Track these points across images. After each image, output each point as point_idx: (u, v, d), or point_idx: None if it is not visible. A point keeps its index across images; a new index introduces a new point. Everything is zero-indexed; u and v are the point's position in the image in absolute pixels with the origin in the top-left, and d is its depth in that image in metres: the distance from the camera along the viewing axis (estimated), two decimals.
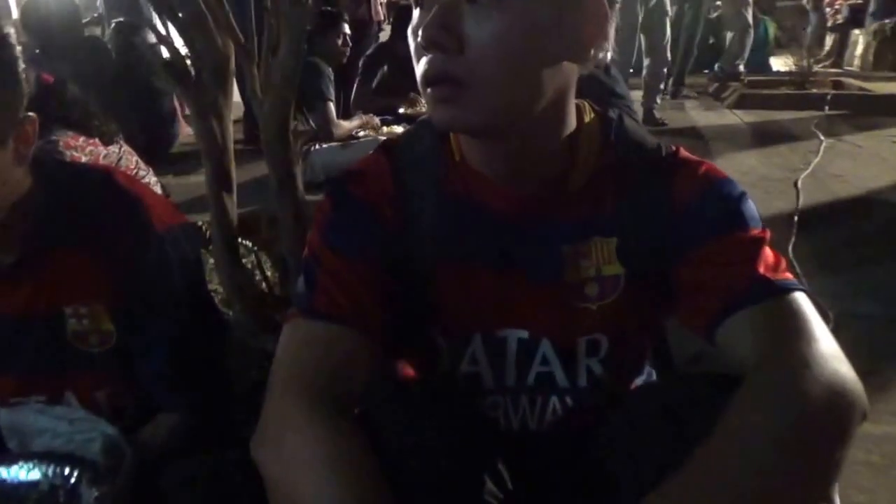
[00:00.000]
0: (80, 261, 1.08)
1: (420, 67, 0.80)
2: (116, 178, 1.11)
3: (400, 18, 4.98)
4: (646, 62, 5.97)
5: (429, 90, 0.80)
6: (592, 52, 0.83)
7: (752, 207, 0.90)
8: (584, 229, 0.92)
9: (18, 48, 0.99)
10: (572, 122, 0.90)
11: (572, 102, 0.90)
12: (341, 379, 0.83)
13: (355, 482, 0.72)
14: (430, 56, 0.78)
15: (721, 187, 0.90)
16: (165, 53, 1.73)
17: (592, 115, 0.95)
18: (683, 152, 0.95)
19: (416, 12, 0.82)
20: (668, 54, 6.09)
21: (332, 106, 4.39)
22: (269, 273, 2.34)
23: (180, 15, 1.59)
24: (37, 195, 1.07)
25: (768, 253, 0.86)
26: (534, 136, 0.86)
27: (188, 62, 1.66)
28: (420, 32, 0.77)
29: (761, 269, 0.83)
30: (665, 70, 6.15)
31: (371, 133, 4.55)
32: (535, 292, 0.93)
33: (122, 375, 1.15)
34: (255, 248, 2.48)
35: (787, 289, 0.82)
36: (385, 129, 4.65)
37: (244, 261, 2.24)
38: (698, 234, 0.88)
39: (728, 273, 0.84)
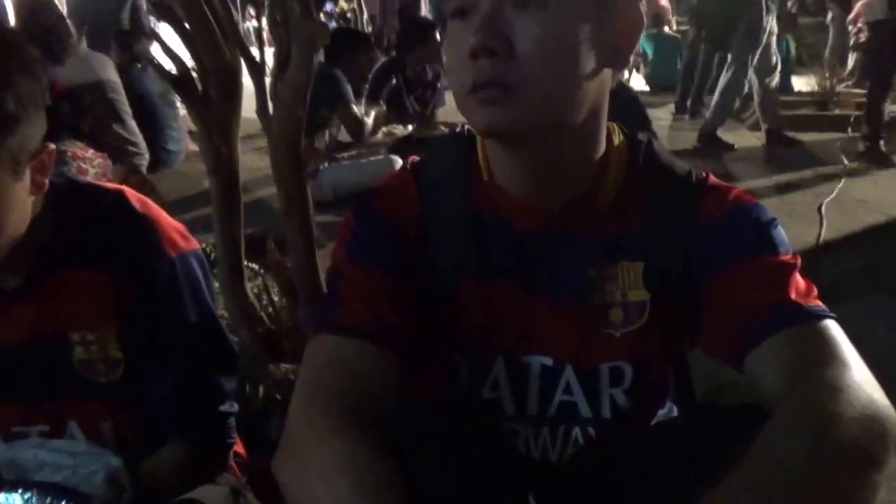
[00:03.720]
0: (90, 284, 1.07)
1: (466, 75, 0.82)
2: (130, 201, 1.11)
3: (406, 32, 5.07)
4: (725, 75, 5.75)
5: (473, 96, 0.81)
6: (630, 57, 0.87)
7: (781, 233, 0.91)
8: (611, 251, 0.93)
9: (46, 80, 0.99)
10: (603, 142, 0.92)
11: (605, 118, 0.91)
12: (366, 395, 0.84)
13: (380, 497, 0.71)
14: (478, 62, 0.79)
15: (750, 211, 0.92)
16: (170, 66, 1.72)
17: (622, 137, 0.96)
18: (713, 178, 0.96)
19: (454, 23, 0.84)
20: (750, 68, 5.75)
21: (355, 108, 4.47)
22: (275, 298, 2.32)
23: (187, 26, 1.58)
24: (48, 216, 1.06)
25: (799, 279, 0.87)
26: (569, 147, 0.88)
27: (195, 76, 1.65)
28: (470, 39, 0.79)
29: (792, 295, 0.84)
30: (743, 86, 5.83)
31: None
32: (559, 315, 0.94)
33: (129, 406, 1.14)
34: (262, 271, 2.48)
35: (819, 315, 0.83)
36: (384, 128, 4.78)
37: (250, 284, 2.23)
38: (726, 257, 0.89)
39: (758, 297, 0.85)
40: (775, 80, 5.81)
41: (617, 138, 0.95)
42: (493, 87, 0.79)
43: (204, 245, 2.42)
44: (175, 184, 4.73)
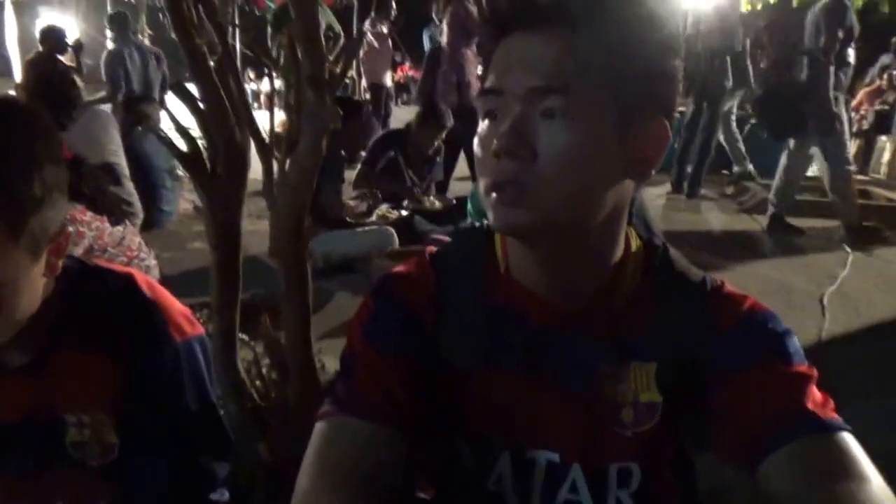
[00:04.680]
0: (93, 367, 1.10)
1: (489, 173, 0.87)
2: (138, 284, 1.14)
3: (425, 112, 5.27)
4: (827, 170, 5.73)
5: (493, 195, 0.87)
6: (653, 171, 0.91)
7: (796, 343, 0.93)
8: (623, 352, 0.96)
9: (66, 171, 1.03)
10: (621, 246, 0.96)
11: (624, 223, 0.96)
12: (375, 478, 0.87)
13: None
14: (500, 162, 0.85)
15: (765, 320, 0.94)
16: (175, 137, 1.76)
17: (639, 241, 1.01)
18: (728, 286, 0.99)
19: (484, 123, 0.90)
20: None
21: (340, 187, 4.57)
22: (265, 370, 2.33)
23: (202, 106, 1.63)
24: (58, 297, 1.09)
25: (815, 391, 0.89)
26: (586, 250, 0.92)
27: (203, 153, 1.69)
28: (495, 141, 0.85)
29: (809, 405, 0.86)
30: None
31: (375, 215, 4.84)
32: (569, 411, 0.96)
33: (118, 491, 1.15)
34: (252, 342, 2.48)
35: (836, 427, 0.85)
36: (379, 211, 4.93)
37: (241, 353, 2.23)
38: (741, 364, 0.91)
39: (773, 405, 0.87)
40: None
41: (634, 242, 0.99)
42: (511, 187, 0.85)
43: (198, 315, 2.45)
44: (167, 243, 4.79)
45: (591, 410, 0.96)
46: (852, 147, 9.74)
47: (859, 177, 8.84)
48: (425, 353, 0.98)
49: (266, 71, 2.49)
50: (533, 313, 0.97)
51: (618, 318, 0.96)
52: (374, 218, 4.81)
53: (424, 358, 0.97)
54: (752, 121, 9.08)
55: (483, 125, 0.90)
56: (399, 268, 1.07)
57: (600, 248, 0.94)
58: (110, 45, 7.60)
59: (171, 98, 1.72)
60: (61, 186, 1.02)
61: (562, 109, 0.83)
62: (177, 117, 1.69)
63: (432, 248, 1.08)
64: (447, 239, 1.12)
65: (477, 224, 1.07)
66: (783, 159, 5.93)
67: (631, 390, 0.95)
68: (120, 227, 2.54)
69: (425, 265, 1.05)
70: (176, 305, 1.16)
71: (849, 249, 5.31)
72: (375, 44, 9.33)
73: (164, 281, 3.00)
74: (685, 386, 0.94)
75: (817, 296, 4.23)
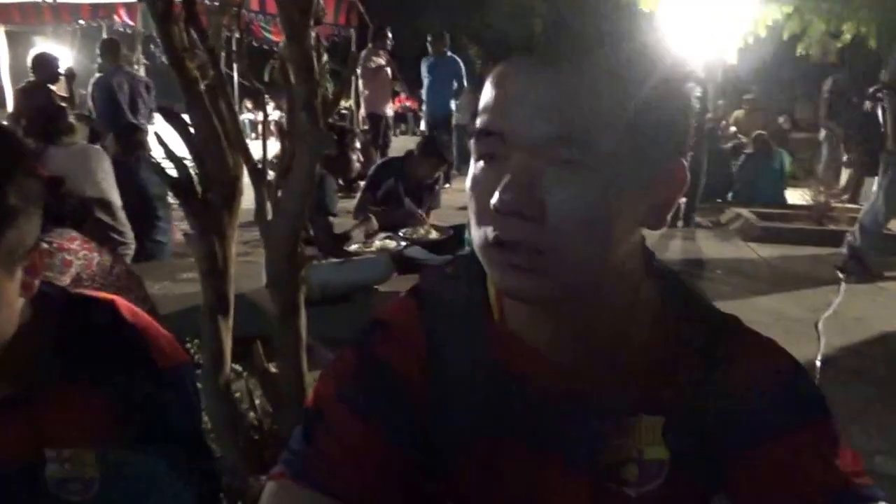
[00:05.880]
0: (77, 400, 1.06)
1: (489, 225, 0.76)
2: (121, 311, 1.11)
3: (428, 145, 5.34)
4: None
5: (498, 251, 0.75)
6: (668, 218, 0.81)
7: (824, 398, 0.84)
8: (632, 406, 0.85)
9: (41, 185, 1.00)
10: (630, 293, 0.85)
11: (635, 272, 0.86)
12: None
13: None
14: (504, 219, 0.73)
15: (791, 371, 0.85)
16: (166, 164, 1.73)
17: (646, 276, 0.88)
18: (743, 324, 0.90)
19: (479, 165, 0.78)
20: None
21: (332, 220, 4.56)
22: (257, 400, 2.29)
23: (192, 131, 1.61)
24: (36, 326, 1.05)
25: (847, 453, 0.80)
26: (597, 304, 0.82)
27: (194, 180, 1.66)
28: (497, 195, 0.72)
29: (843, 474, 0.78)
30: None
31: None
32: (573, 479, 0.85)
33: None
34: (245, 373, 2.45)
35: (874, 499, 0.77)
36: (378, 242, 4.92)
37: (233, 386, 2.20)
38: (766, 424, 0.81)
39: (805, 476, 0.78)
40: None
41: (643, 284, 0.87)
42: (522, 251, 0.73)
43: (189, 346, 2.42)
44: (160, 274, 4.75)
45: (595, 474, 0.84)
46: (843, 177, 9.83)
47: (852, 205, 8.90)
48: (409, 418, 0.85)
49: (265, 100, 2.48)
50: (535, 372, 0.85)
51: (629, 371, 0.84)
52: (372, 248, 4.81)
53: (407, 423, 0.84)
54: (746, 150, 9.17)
55: (478, 168, 0.78)
56: (383, 314, 0.93)
57: (609, 302, 0.82)
58: (98, 72, 7.36)
59: (162, 125, 1.68)
60: (36, 200, 0.98)
61: (580, 160, 0.71)
62: (167, 144, 1.66)
63: (420, 287, 0.95)
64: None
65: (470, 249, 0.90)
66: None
67: (635, 445, 0.84)
68: (109, 257, 2.51)
69: (413, 310, 0.92)
70: (160, 332, 1.13)
71: (842, 276, 5.30)
72: (370, 73, 9.39)
73: (157, 313, 2.97)
74: (698, 444, 0.83)
75: (812, 322, 4.24)
